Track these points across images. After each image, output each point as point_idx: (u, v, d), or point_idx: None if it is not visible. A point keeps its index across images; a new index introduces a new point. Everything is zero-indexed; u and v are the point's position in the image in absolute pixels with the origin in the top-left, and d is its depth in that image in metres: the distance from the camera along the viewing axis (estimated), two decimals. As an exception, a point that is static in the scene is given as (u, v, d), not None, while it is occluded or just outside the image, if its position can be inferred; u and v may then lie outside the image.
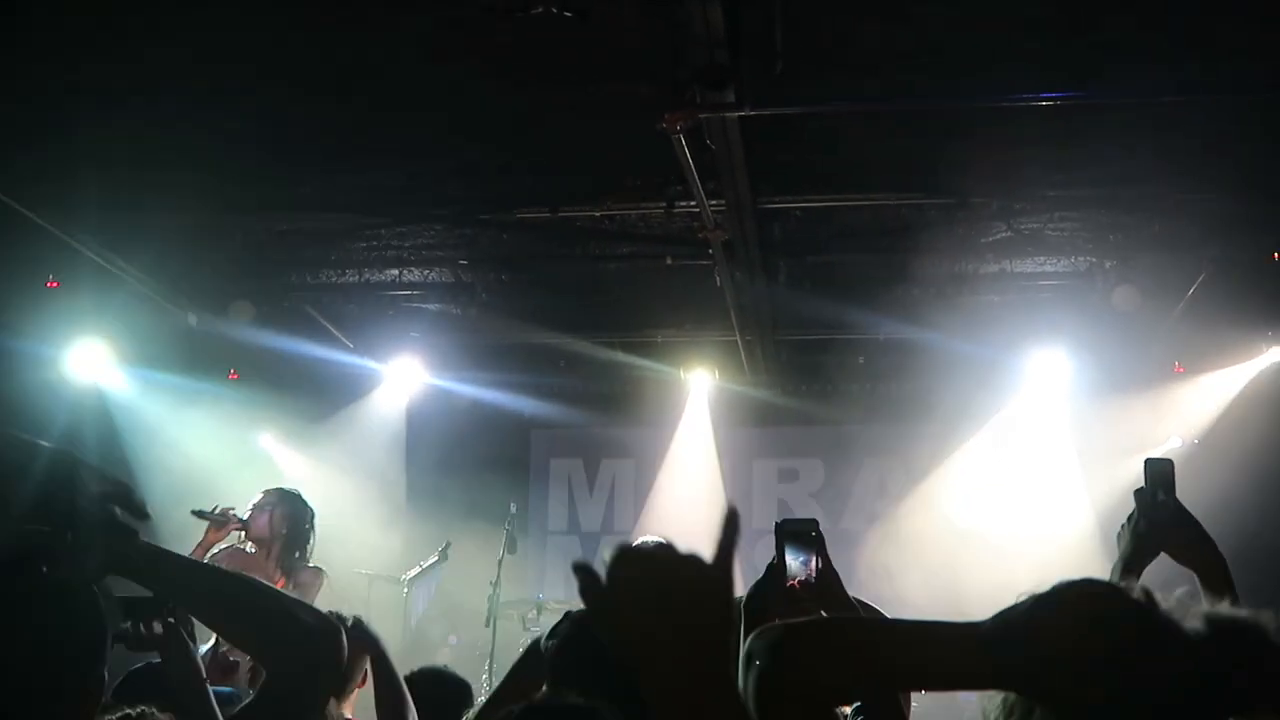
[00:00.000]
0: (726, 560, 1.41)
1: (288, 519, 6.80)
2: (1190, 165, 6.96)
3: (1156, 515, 2.59)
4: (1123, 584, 1.50)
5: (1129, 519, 2.64)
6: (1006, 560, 9.01)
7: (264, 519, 6.75)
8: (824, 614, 2.74)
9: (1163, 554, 2.61)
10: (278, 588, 2.42)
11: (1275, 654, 1.39)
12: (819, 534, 2.75)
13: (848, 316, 9.35)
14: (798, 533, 2.71)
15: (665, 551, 1.42)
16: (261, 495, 6.87)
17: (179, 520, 7.51)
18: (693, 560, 1.41)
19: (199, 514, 6.74)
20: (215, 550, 6.86)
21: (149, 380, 9.76)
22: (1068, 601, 1.43)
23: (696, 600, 1.38)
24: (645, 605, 1.37)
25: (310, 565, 6.81)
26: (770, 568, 2.68)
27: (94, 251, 8.11)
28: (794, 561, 2.67)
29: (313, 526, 6.91)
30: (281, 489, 7.03)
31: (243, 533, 6.79)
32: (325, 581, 6.80)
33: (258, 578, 2.57)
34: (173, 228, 8.11)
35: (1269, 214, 7.60)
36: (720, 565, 1.40)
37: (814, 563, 2.70)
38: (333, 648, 2.24)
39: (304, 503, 6.99)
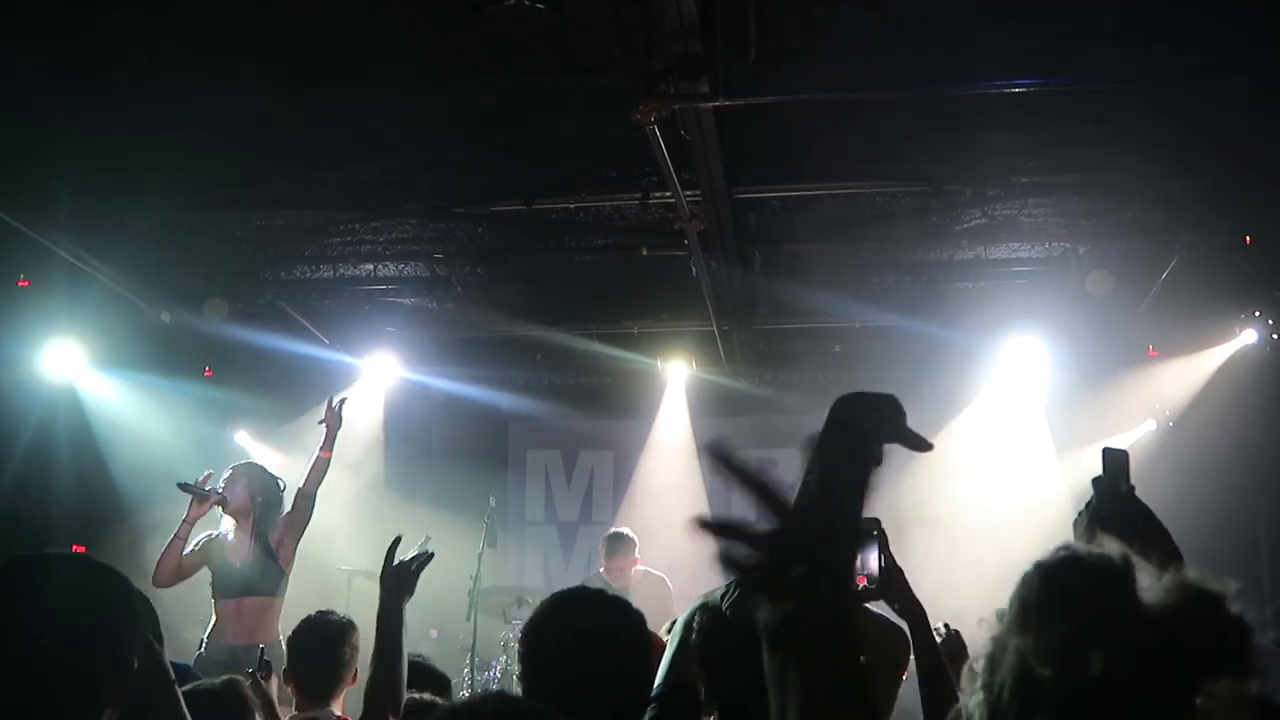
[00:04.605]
0: None
1: (261, 487, 7.28)
2: (1162, 150, 6.99)
3: (1114, 505, 2.61)
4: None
5: (1086, 506, 2.66)
6: (983, 544, 9.05)
7: (240, 490, 7.21)
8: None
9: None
10: None
11: (1233, 622, 1.42)
12: (881, 532, 2.75)
13: (824, 305, 9.38)
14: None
15: None
16: (230, 470, 7.32)
17: (154, 517, 7.56)
18: None
19: (185, 487, 7.14)
20: (199, 538, 7.08)
21: (123, 379, 9.70)
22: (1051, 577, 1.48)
23: None
24: None
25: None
26: None
27: (65, 250, 8.05)
28: None
29: (283, 490, 7.40)
30: (248, 462, 7.61)
31: (221, 506, 7.18)
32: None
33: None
34: (145, 225, 8.06)
35: (1241, 197, 7.64)
36: None
37: (876, 561, 2.70)
38: None
39: (270, 472, 7.50)
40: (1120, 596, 1.46)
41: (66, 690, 2.16)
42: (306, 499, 7.33)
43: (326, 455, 7.47)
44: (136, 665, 2.27)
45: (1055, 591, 1.49)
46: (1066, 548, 1.55)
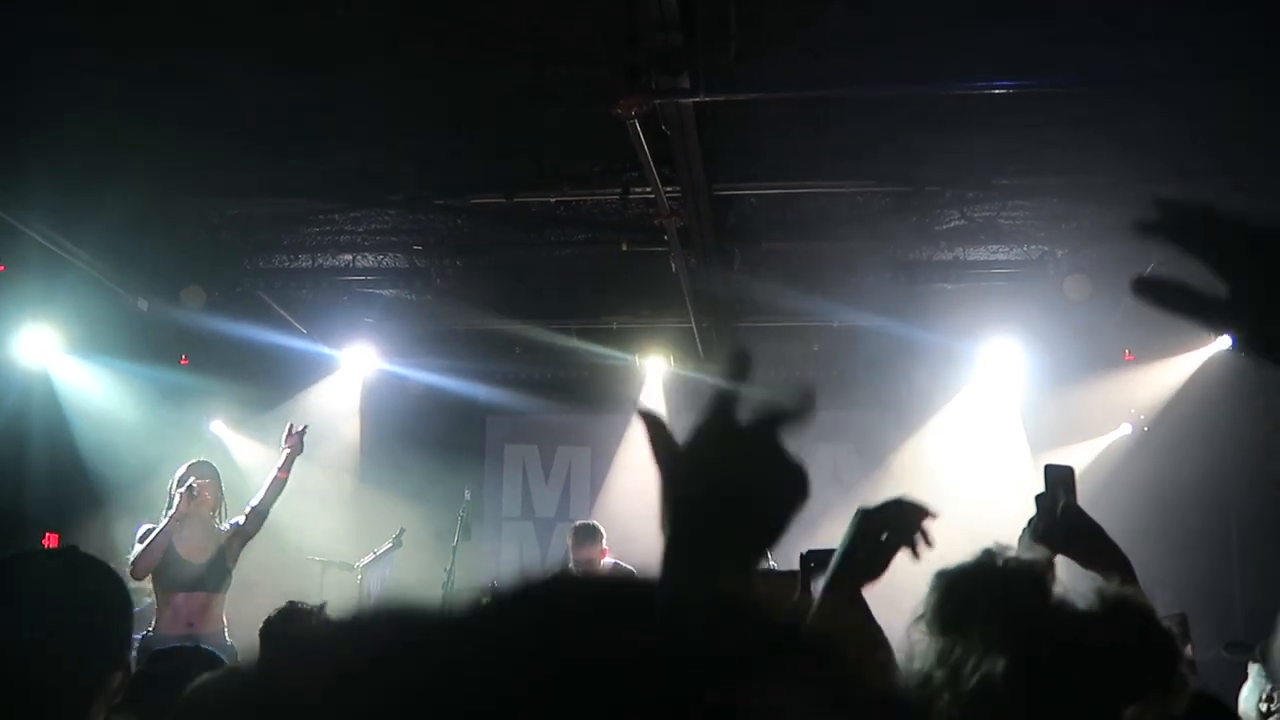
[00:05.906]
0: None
1: (221, 489, 7.68)
2: (1142, 154, 7.01)
3: (1057, 520, 2.61)
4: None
5: (1029, 523, 2.66)
6: (956, 543, 9.07)
7: (210, 493, 7.52)
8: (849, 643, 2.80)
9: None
10: None
11: (1163, 636, 1.41)
12: None
13: (802, 303, 9.38)
14: (826, 563, 2.69)
15: None
16: (201, 468, 7.62)
17: (127, 504, 7.56)
18: None
19: (187, 489, 7.43)
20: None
21: (99, 365, 9.64)
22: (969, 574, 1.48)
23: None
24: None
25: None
26: None
27: (41, 234, 7.99)
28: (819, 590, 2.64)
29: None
30: (208, 461, 7.82)
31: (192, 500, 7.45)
32: None
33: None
34: (122, 211, 8.00)
35: (1220, 202, 7.66)
36: None
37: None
38: None
39: None
40: (1029, 601, 1.45)
41: (59, 688, 2.16)
42: (259, 516, 7.68)
43: (284, 476, 7.75)
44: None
45: (949, 597, 1.49)
46: (987, 552, 1.55)
